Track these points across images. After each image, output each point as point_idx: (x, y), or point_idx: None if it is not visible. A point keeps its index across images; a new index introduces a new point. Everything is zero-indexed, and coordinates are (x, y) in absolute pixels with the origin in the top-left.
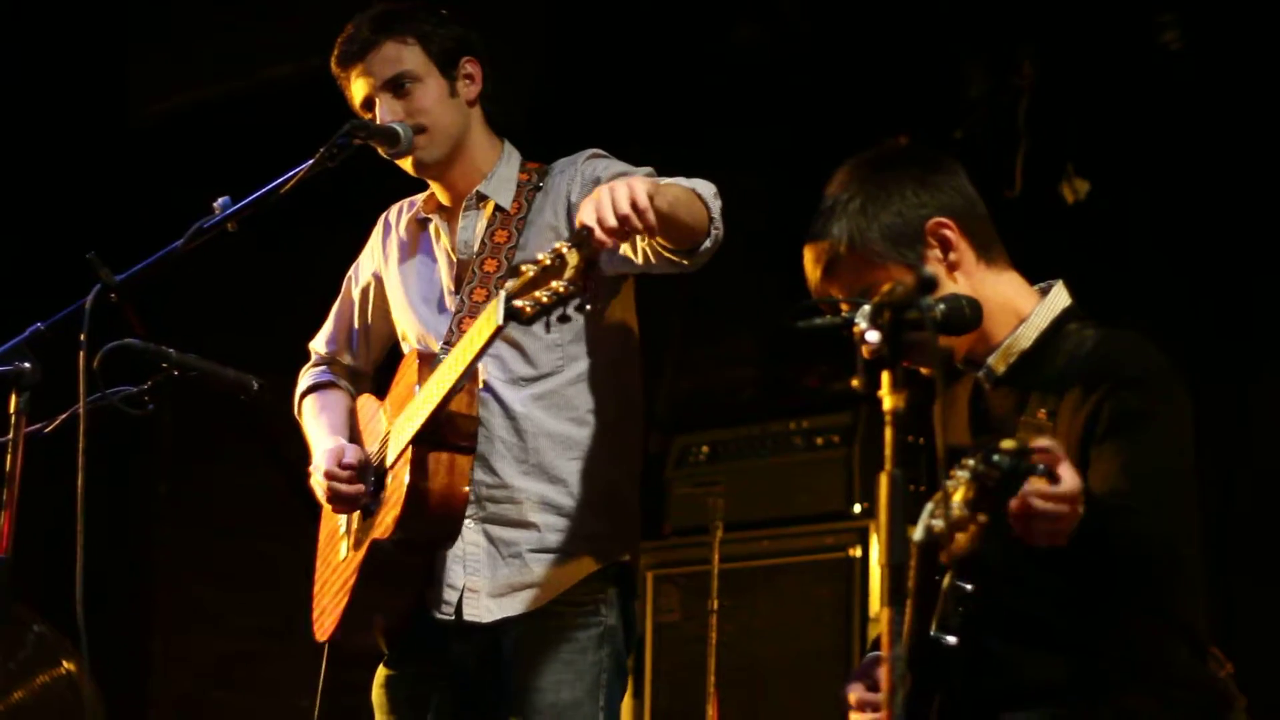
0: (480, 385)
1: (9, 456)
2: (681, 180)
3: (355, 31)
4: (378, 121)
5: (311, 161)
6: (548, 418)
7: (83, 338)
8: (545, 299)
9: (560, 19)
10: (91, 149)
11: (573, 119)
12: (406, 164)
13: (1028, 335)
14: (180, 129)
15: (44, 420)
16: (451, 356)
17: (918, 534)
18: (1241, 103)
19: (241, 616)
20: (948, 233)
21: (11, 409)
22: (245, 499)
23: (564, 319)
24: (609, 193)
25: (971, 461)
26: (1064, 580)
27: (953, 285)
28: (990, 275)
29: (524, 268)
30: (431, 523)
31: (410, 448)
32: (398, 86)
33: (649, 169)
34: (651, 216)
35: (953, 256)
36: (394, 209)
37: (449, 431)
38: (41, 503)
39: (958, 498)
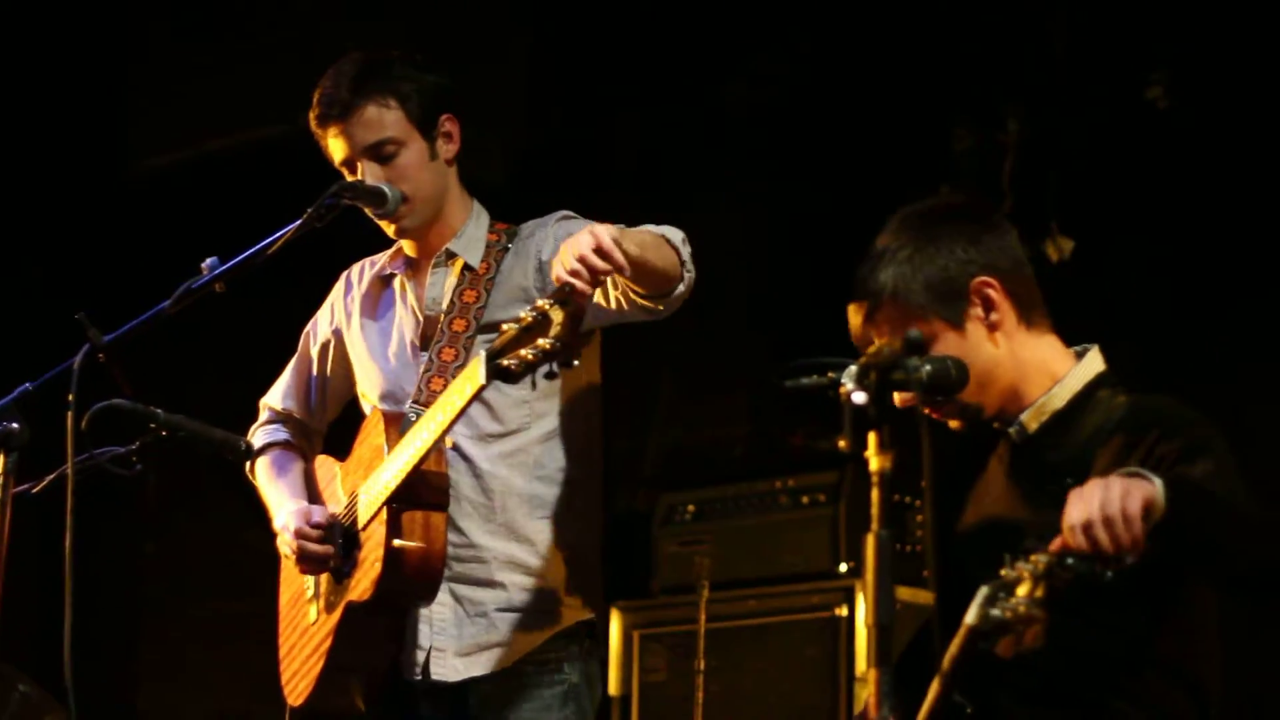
0: (449, 445)
1: None
2: (649, 227)
3: (334, 92)
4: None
5: (299, 222)
6: (515, 476)
7: (71, 398)
8: (531, 356)
9: (540, 75)
10: (82, 207)
11: (555, 172)
12: (389, 227)
13: (1061, 396)
14: (172, 186)
15: (32, 480)
16: (428, 415)
17: (972, 618)
18: (1229, 159)
19: (229, 676)
20: (991, 293)
21: (0, 469)
22: (232, 558)
23: (550, 375)
24: (574, 243)
25: (1043, 559)
26: (1088, 625)
27: (992, 347)
28: (1030, 338)
29: (505, 326)
30: (411, 582)
31: (385, 508)
32: (378, 153)
33: (620, 227)
34: (619, 255)
35: (994, 316)
36: (355, 267)
37: (423, 490)
38: (29, 563)
39: (1023, 592)
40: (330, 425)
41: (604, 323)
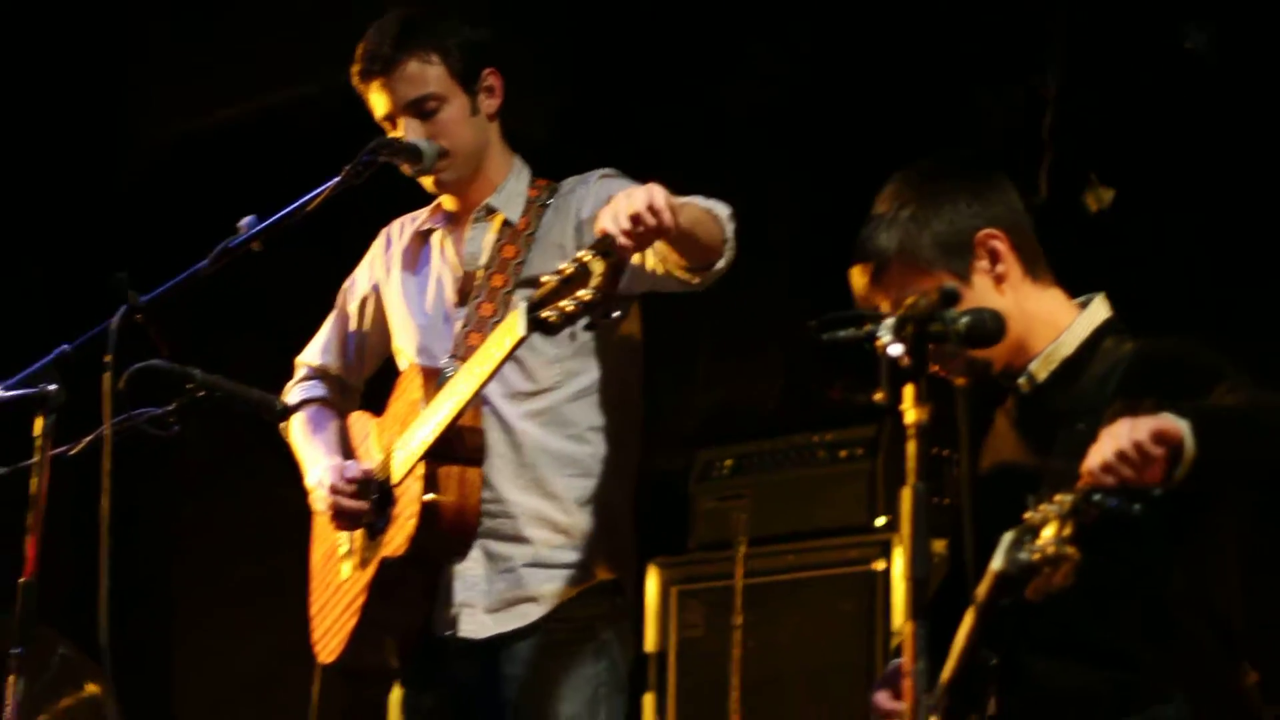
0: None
1: (35, 479)
2: (699, 199)
3: (377, 47)
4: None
5: (337, 180)
6: (545, 434)
7: (108, 359)
8: (570, 308)
9: (586, 37)
10: (119, 167)
11: (594, 135)
12: (427, 181)
13: (1069, 343)
14: (209, 146)
15: (70, 442)
16: (466, 369)
17: (999, 564)
18: (1268, 109)
19: (266, 638)
20: (997, 244)
21: (37, 431)
22: (269, 519)
23: (590, 327)
24: (627, 197)
25: (1068, 498)
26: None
27: (998, 297)
28: (1036, 290)
29: (544, 278)
30: (446, 537)
31: (422, 463)
32: (420, 108)
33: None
34: (668, 216)
35: (1000, 268)
36: (396, 224)
37: (458, 445)
38: (68, 524)
39: (1050, 533)
40: (367, 382)
41: (640, 289)
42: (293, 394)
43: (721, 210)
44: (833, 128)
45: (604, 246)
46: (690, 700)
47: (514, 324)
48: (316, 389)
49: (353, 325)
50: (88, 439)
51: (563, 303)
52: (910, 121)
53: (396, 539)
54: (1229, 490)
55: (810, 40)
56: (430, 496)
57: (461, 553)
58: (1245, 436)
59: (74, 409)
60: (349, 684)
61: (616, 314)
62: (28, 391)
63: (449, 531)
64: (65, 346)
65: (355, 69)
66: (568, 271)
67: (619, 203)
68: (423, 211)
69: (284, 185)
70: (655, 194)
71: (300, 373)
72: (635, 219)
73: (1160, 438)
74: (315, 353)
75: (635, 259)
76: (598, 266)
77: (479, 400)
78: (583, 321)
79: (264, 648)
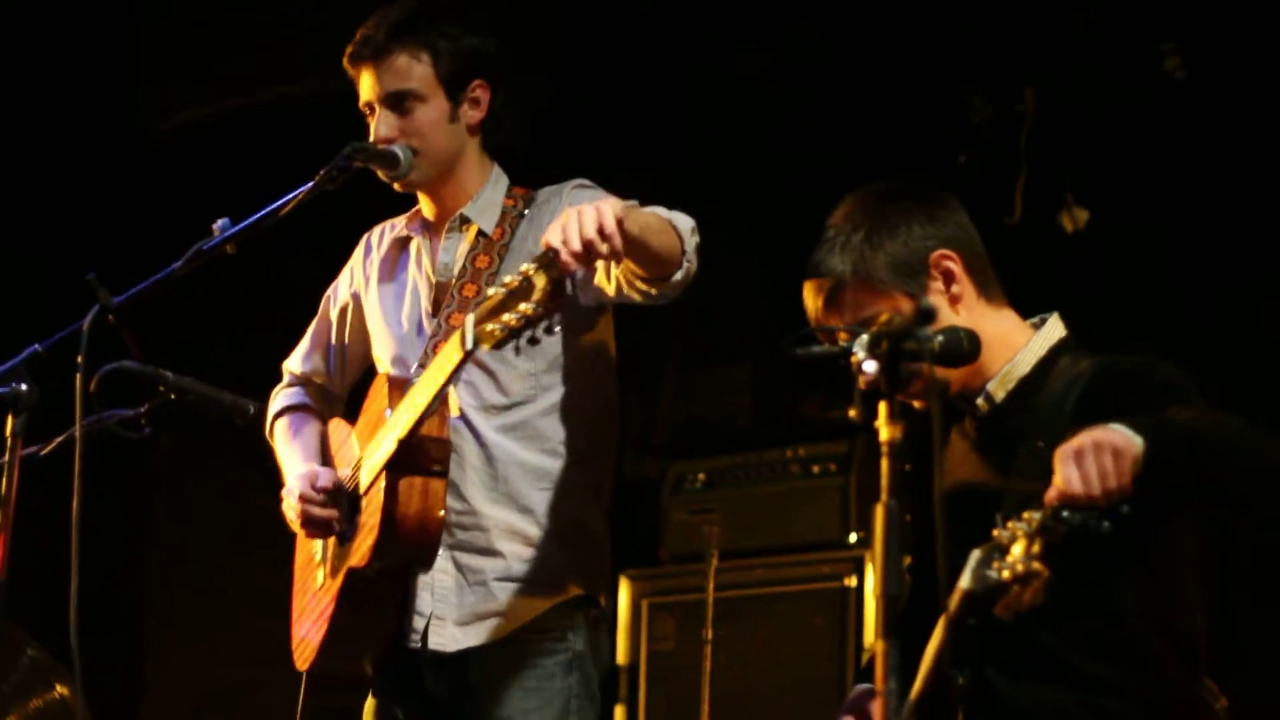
0: (456, 414)
1: (4, 479)
2: (660, 210)
3: (373, 33)
4: (372, 131)
5: (311, 184)
6: (518, 447)
7: (80, 360)
8: (513, 322)
9: (566, 39)
10: (93, 167)
11: (573, 142)
12: (397, 184)
13: (1026, 362)
14: (183, 147)
15: (40, 442)
16: (420, 381)
17: (967, 582)
18: (1244, 131)
19: (236, 642)
20: (951, 265)
21: (8, 431)
22: (240, 522)
23: (533, 341)
24: (577, 216)
25: (1036, 516)
26: (1076, 584)
27: (954, 318)
28: (990, 311)
29: (490, 291)
30: (407, 548)
31: (384, 474)
32: (399, 103)
33: (634, 201)
34: (618, 241)
35: (955, 289)
36: (376, 230)
37: (421, 456)
38: (37, 525)
39: (1019, 550)
40: (352, 389)
41: (603, 301)
42: (277, 400)
43: (683, 222)
44: (809, 141)
45: (546, 261)
46: (660, 713)
47: (461, 337)
48: (299, 396)
49: (334, 333)
50: (58, 439)
51: (506, 316)
52: (887, 138)
53: (360, 549)
54: (1181, 508)
55: (789, 54)
56: (388, 507)
57: (426, 562)
58: (1194, 454)
59: (46, 409)
60: (322, 692)
61: (558, 329)
62: None
63: (410, 543)
64: (36, 346)
65: (349, 49)
66: (512, 285)
67: (569, 219)
68: (403, 217)
69: (267, 185)
70: (605, 215)
71: (285, 379)
72: (583, 239)
73: (1118, 455)
74: (298, 360)
75: (598, 278)
76: (540, 281)
77: (443, 412)
78: (525, 335)
79: (235, 651)
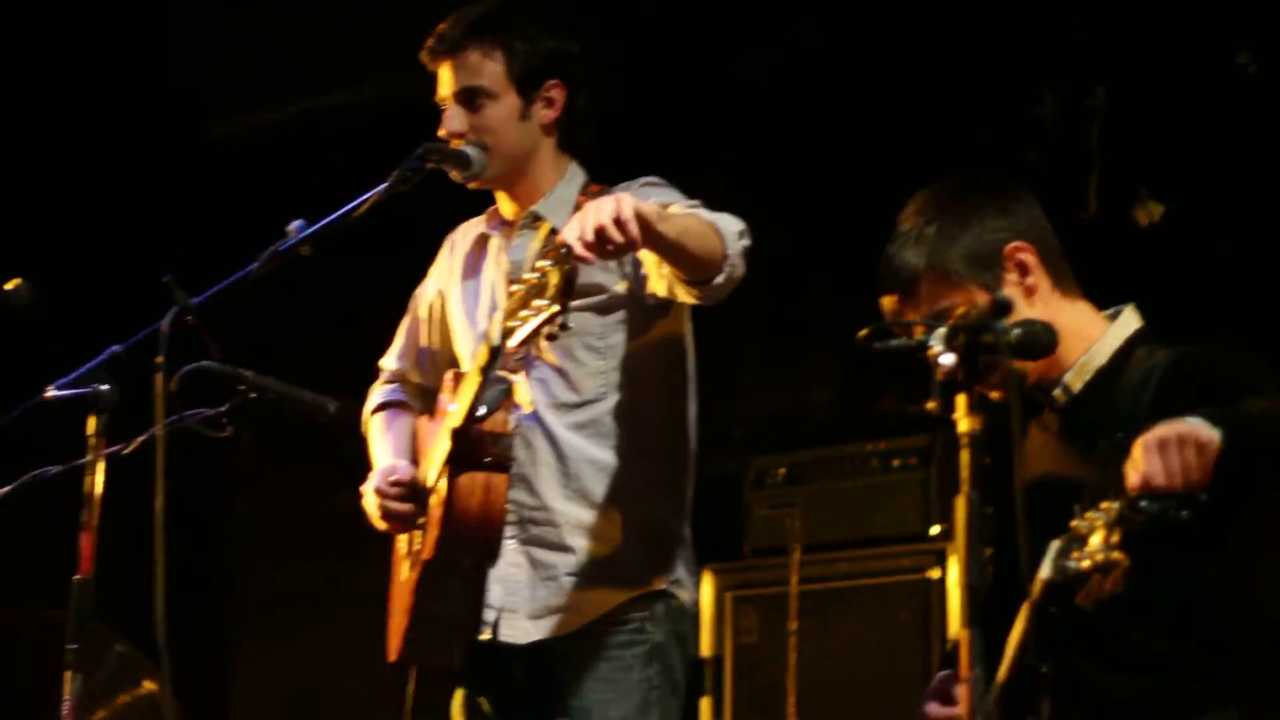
0: (529, 410)
1: (88, 478)
2: (705, 213)
3: (449, 29)
4: (443, 125)
5: (385, 185)
6: (589, 445)
7: (159, 360)
8: (529, 318)
9: (631, 42)
10: (168, 169)
11: (642, 143)
12: (470, 183)
13: (1102, 354)
14: (257, 148)
15: (122, 442)
16: (467, 377)
17: (1047, 572)
18: None
19: (320, 639)
20: (1026, 257)
21: (90, 431)
22: (323, 521)
23: (551, 337)
24: (594, 208)
25: (1115, 505)
26: (1160, 571)
27: (1029, 310)
28: (1065, 303)
29: (513, 287)
30: (469, 542)
31: (445, 469)
32: (470, 99)
33: (697, 202)
34: (634, 229)
35: (1030, 281)
36: (460, 229)
37: (478, 449)
38: (121, 524)
39: (1098, 540)
40: None
41: (662, 299)
42: (374, 396)
43: (729, 226)
44: (884, 137)
45: (560, 256)
46: (746, 705)
47: (489, 334)
48: (395, 393)
49: (422, 331)
50: (140, 439)
51: (524, 313)
52: (960, 131)
53: (428, 543)
54: (1261, 494)
55: (860, 45)
56: (449, 501)
57: (491, 555)
58: (1272, 443)
59: (127, 409)
60: (423, 687)
61: (572, 325)
62: (81, 391)
63: (472, 537)
64: (116, 347)
65: (427, 44)
66: (531, 281)
67: (586, 213)
68: (484, 215)
69: (341, 188)
70: (623, 207)
71: (382, 376)
72: (599, 232)
73: (1197, 446)
74: (393, 358)
75: (652, 278)
76: (553, 277)
77: (508, 406)
78: (544, 331)
79: (319, 648)
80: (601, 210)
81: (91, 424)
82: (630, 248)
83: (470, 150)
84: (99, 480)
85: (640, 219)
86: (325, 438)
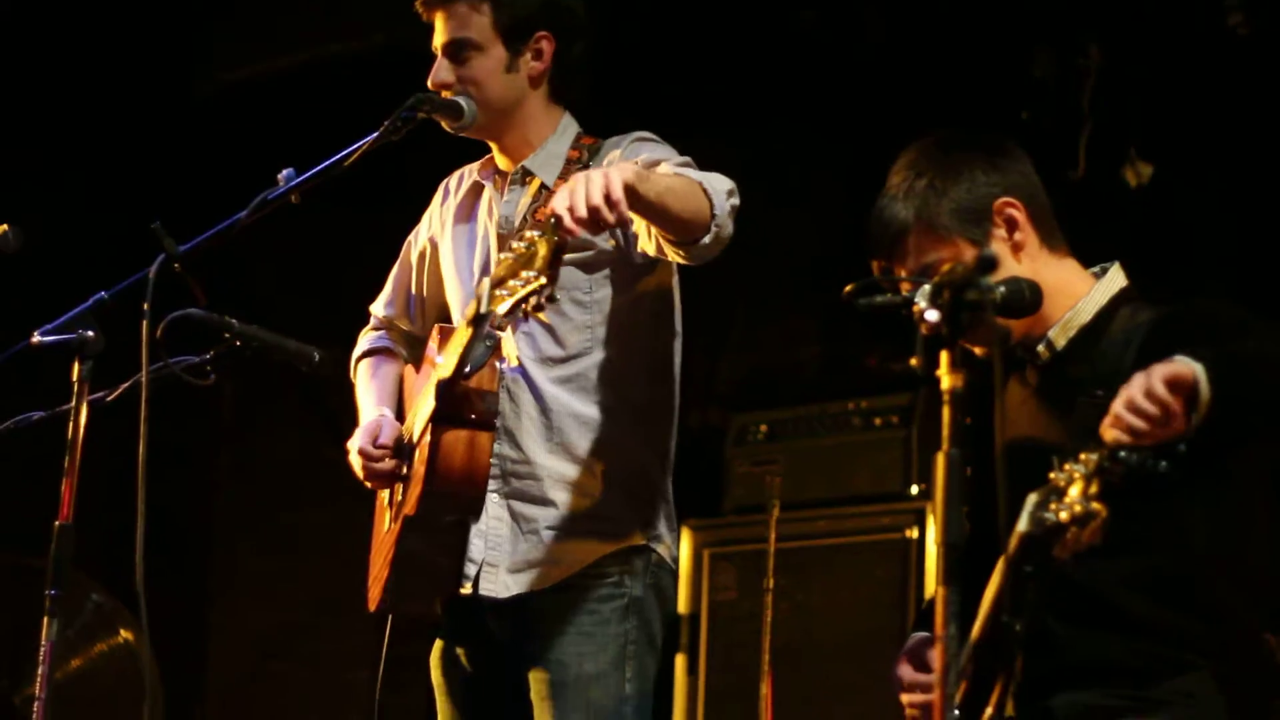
0: (515, 364)
1: (71, 424)
2: (692, 172)
3: None
4: (431, 76)
5: (376, 134)
6: (574, 400)
7: (146, 307)
8: (517, 289)
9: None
10: (156, 118)
11: (634, 100)
12: (461, 131)
13: (1087, 310)
14: (245, 100)
15: (106, 389)
16: (455, 335)
17: (1024, 525)
18: None
19: (299, 588)
20: (1015, 213)
21: (74, 377)
22: (304, 471)
23: (538, 308)
24: (584, 182)
25: (1094, 457)
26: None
27: (1016, 266)
28: (1052, 260)
29: (502, 255)
30: (453, 499)
31: (429, 426)
32: (457, 52)
33: (687, 159)
34: (625, 208)
35: (1018, 237)
36: (454, 176)
37: (466, 408)
38: (103, 471)
39: (1076, 491)
40: None
41: (651, 257)
42: (361, 343)
43: (717, 184)
44: (874, 94)
45: (549, 227)
46: (721, 662)
47: (477, 301)
48: (382, 340)
49: (413, 279)
50: (124, 385)
51: (512, 282)
52: (951, 89)
53: (411, 498)
54: (1252, 439)
55: (852, 4)
56: (432, 458)
57: (474, 512)
58: (1261, 376)
59: (112, 356)
60: (398, 637)
61: (559, 297)
62: (66, 337)
63: (456, 494)
64: (103, 294)
65: None
66: (519, 251)
67: (575, 186)
68: (479, 162)
69: (332, 137)
70: (612, 182)
71: (371, 322)
72: (588, 205)
73: (1174, 382)
74: (381, 304)
75: (641, 237)
76: (542, 248)
77: (493, 364)
78: (531, 302)
79: (297, 598)
80: (592, 187)
81: (76, 369)
82: (621, 224)
83: (462, 100)
84: (82, 426)
85: (629, 190)
86: (309, 388)
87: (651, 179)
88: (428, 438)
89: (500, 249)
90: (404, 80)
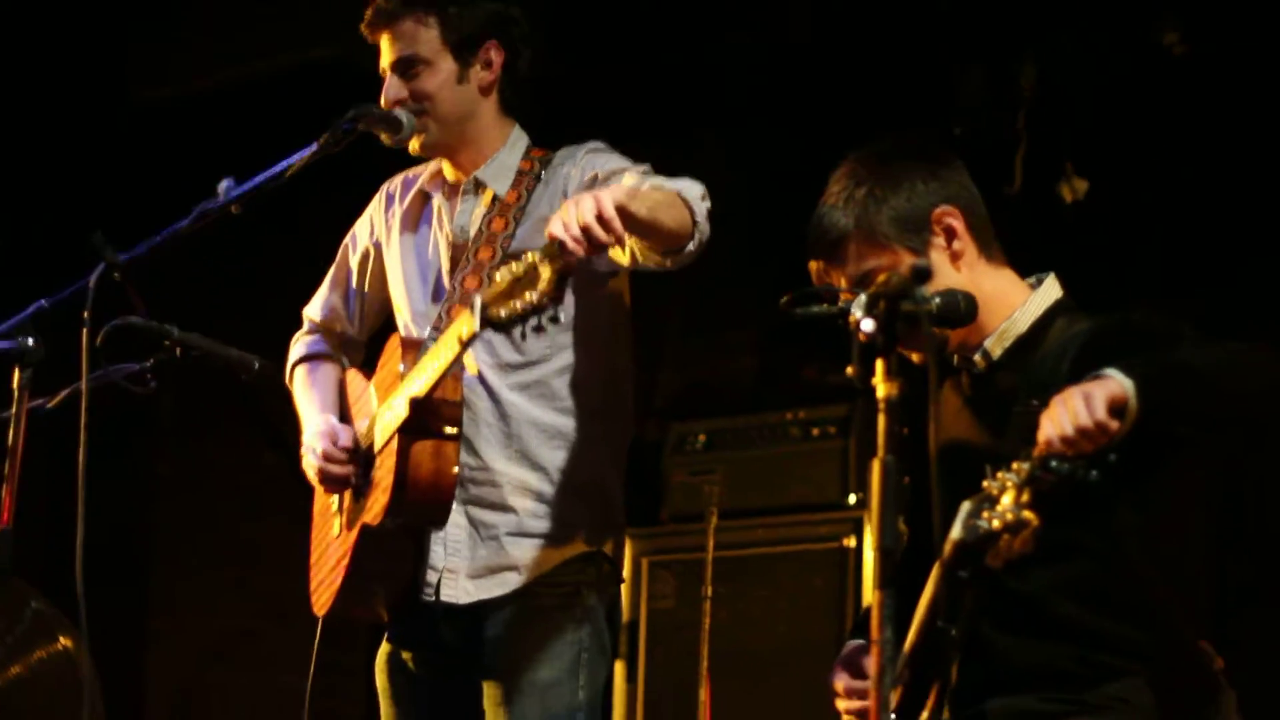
0: (474, 372)
1: (11, 431)
2: (666, 182)
3: (385, 2)
4: (384, 95)
5: (315, 147)
6: (532, 406)
7: (86, 315)
8: (518, 309)
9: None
10: (97, 127)
11: (572, 112)
12: (413, 145)
13: (1023, 321)
14: (183, 110)
15: (46, 396)
16: (434, 349)
17: (958, 532)
18: (1242, 105)
19: (239, 596)
20: (954, 222)
21: (15, 385)
22: (244, 479)
23: (538, 329)
24: (576, 205)
25: (1025, 466)
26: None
27: (954, 274)
28: (990, 269)
29: (497, 276)
30: (419, 508)
31: (397, 436)
32: (406, 68)
33: (646, 166)
34: (619, 227)
35: (956, 245)
36: (395, 181)
37: (433, 419)
38: (42, 478)
39: (1008, 500)
40: (372, 336)
41: (621, 270)
42: (296, 347)
43: (692, 190)
44: (805, 109)
45: (552, 252)
46: (660, 669)
47: (468, 320)
48: (318, 344)
49: (354, 282)
50: (64, 393)
51: (513, 302)
52: (887, 104)
53: (374, 508)
54: (1182, 448)
55: (786, 22)
56: (401, 469)
57: (439, 521)
58: (1188, 386)
59: (53, 365)
60: (334, 644)
61: (563, 318)
62: (6, 345)
63: (423, 504)
64: (43, 302)
65: (366, 16)
66: (518, 272)
67: (570, 210)
68: (423, 169)
69: (276, 148)
70: (604, 204)
71: (304, 326)
72: (585, 230)
73: (1113, 405)
74: (317, 307)
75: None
76: (545, 271)
77: (458, 373)
78: (531, 323)
79: (239, 604)
80: (585, 210)
81: (16, 377)
82: (618, 244)
83: (401, 114)
84: (22, 433)
85: (621, 211)
86: (248, 397)
87: (640, 197)
88: (393, 446)
89: (454, 260)
90: (351, 93)
